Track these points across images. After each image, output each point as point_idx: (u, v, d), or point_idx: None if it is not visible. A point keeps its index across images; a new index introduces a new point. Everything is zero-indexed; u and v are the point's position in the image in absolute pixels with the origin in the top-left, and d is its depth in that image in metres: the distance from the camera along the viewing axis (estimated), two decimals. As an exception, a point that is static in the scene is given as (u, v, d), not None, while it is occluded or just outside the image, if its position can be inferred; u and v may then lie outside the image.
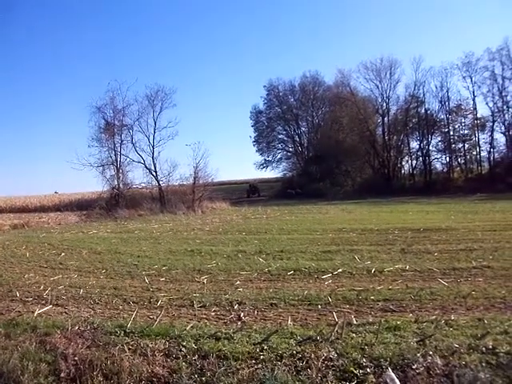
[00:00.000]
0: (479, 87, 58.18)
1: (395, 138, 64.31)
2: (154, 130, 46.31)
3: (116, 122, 45.87)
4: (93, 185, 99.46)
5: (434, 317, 7.65)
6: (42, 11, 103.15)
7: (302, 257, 14.45)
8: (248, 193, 70.59)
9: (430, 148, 62.17)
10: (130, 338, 7.41)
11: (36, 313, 9.26)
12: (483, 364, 5.62)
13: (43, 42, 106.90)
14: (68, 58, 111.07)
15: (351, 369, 5.81)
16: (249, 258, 14.71)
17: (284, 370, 5.88)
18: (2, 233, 28.95)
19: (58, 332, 7.79)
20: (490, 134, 58.75)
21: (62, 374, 6.50)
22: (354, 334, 6.94)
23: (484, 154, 59.96)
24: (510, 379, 5.28)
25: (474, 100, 59.29)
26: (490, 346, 6.04)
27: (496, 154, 58.74)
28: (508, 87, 55.79)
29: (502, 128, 57.56)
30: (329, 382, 5.59)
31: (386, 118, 64.19)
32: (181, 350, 6.81)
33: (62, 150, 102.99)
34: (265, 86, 76.79)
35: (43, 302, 10.39)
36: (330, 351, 6.30)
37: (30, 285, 12.31)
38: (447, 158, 61.94)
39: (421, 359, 5.79)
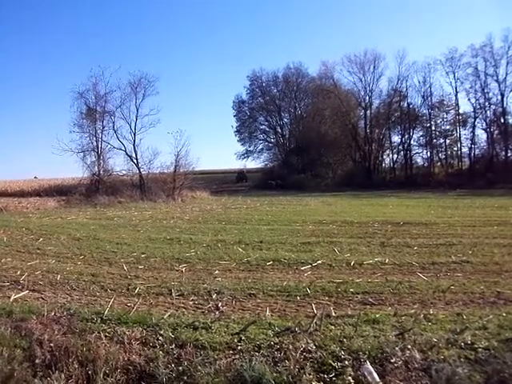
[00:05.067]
0: (462, 83, 58.46)
1: (377, 131, 64.48)
2: (136, 117, 45.70)
3: (98, 108, 45.46)
4: (73, 171, 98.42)
5: (413, 311, 7.66)
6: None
7: (281, 248, 14.39)
8: (237, 179, 75.50)
9: (412, 142, 62.44)
10: (107, 326, 7.36)
11: (12, 298, 9.20)
12: (462, 359, 5.62)
13: (24, 28, 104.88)
14: (51, 44, 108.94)
15: (329, 361, 5.78)
16: (228, 248, 14.64)
17: (262, 361, 5.84)
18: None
19: (34, 318, 7.69)
20: (471, 130, 59.17)
21: (37, 361, 6.46)
22: (332, 327, 6.92)
23: (465, 149, 60.40)
24: (488, 375, 5.29)
25: (456, 96, 59.61)
26: (469, 341, 6.05)
27: (477, 151, 59.22)
28: (490, 84, 56.05)
29: (484, 124, 58.10)
30: (307, 374, 5.55)
31: (368, 112, 64.32)
32: (158, 339, 6.78)
33: (43, 134, 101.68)
34: (248, 77, 76.35)
35: (20, 287, 10.32)
36: (308, 343, 6.27)
37: (7, 269, 12.21)
38: (428, 153, 62.21)
39: (399, 353, 5.77)
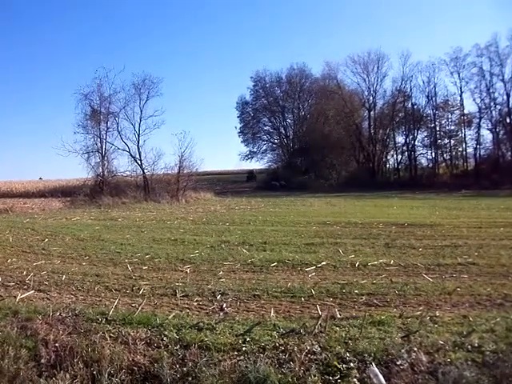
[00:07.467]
0: (467, 83, 58.53)
1: (381, 132, 64.54)
2: (140, 118, 45.79)
3: (102, 110, 45.41)
4: (77, 171, 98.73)
5: (419, 312, 7.58)
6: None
7: (285, 249, 14.31)
8: (248, 179, 79.08)
9: (416, 143, 62.57)
10: (112, 326, 7.36)
11: (18, 298, 9.19)
12: (469, 362, 5.56)
13: (30, 29, 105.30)
14: (55, 45, 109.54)
15: (335, 363, 5.76)
16: (232, 249, 14.57)
17: (266, 363, 5.83)
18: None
19: (40, 318, 7.73)
20: (476, 130, 59.23)
21: (43, 360, 6.52)
22: (337, 328, 6.87)
23: (470, 150, 60.40)
24: (496, 379, 5.23)
25: (461, 96, 59.71)
26: (476, 344, 5.99)
27: (482, 151, 59.29)
28: (496, 84, 56.04)
29: (489, 125, 58.09)
30: (312, 376, 5.53)
31: (372, 112, 64.47)
32: (162, 340, 6.78)
33: (48, 136, 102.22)
34: (252, 78, 76.76)
35: (25, 287, 10.31)
36: (313, 344, 6.25)
37: (13, 270, 12.22)
38: (433, 154, 62.30)
39: (405, 355, 5.73)
